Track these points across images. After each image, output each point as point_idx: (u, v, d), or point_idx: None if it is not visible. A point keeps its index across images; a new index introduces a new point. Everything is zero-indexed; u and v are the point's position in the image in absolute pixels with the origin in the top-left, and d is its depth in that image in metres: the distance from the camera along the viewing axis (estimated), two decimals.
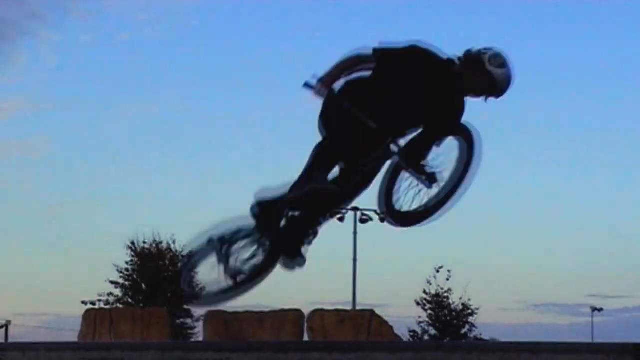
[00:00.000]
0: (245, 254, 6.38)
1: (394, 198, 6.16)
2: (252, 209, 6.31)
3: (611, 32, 72.08)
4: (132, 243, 46.40)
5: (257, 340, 19.92)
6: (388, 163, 6.12)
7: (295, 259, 6.26)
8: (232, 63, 69.02)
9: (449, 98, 6.07)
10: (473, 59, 6.03)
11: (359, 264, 39.31)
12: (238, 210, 6.42)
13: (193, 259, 6.76)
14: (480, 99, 6.09)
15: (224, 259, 6.41)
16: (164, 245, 46.99)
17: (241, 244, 6.39)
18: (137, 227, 58.34)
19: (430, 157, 6.08)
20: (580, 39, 70.74)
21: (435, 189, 6.00)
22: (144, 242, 46.67)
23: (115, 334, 25.03)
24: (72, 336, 27.88)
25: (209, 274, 6.59)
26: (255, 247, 6.41)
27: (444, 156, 6.08)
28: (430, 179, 6.01)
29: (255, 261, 6.42)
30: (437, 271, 47.03)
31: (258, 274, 6.38)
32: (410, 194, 6.09)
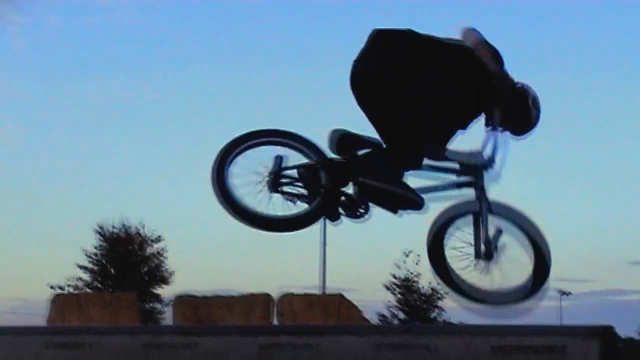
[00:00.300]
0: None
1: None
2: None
3: None
4: (101, 228, 46.27)
5: (226, 324, 19.87)
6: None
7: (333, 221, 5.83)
8: (202, 44, 68.78)
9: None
10: (518, 90, 5.90)
11: (328, 249, 39.29)
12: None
13: None
14: (494, 127, 5.87)
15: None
16: (133, 230, 46.86)
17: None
18: (106, 212, 58.24)
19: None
20: None
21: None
22: (113, 227, 46.53)
23: (83, 319, 24.92)
24: (40, 321, 27.77)
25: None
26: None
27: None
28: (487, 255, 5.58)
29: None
30: (406, 255, 47.15)
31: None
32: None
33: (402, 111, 5.60)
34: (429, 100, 5.63)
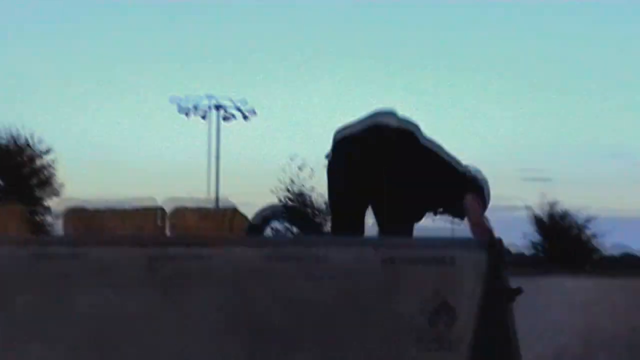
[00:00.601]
0: None
1: None
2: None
3: None
4: None
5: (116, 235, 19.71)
6: None
7: None
8: None
9: None
10: (477, 184, 6.41)
11: (222, 162, 39.22)
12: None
13: None
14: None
15: None
16: (22, 142, 46.08)
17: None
18: None
19: None
20: None
21: None
22: (1, 139, 45.70)
23: None
24: None
25: None
26: None
27: None
28: None
29: None
30: (300, 169, 47.36)
31: None
32: None
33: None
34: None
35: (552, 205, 58.66)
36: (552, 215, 58.25)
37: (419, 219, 6.57)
